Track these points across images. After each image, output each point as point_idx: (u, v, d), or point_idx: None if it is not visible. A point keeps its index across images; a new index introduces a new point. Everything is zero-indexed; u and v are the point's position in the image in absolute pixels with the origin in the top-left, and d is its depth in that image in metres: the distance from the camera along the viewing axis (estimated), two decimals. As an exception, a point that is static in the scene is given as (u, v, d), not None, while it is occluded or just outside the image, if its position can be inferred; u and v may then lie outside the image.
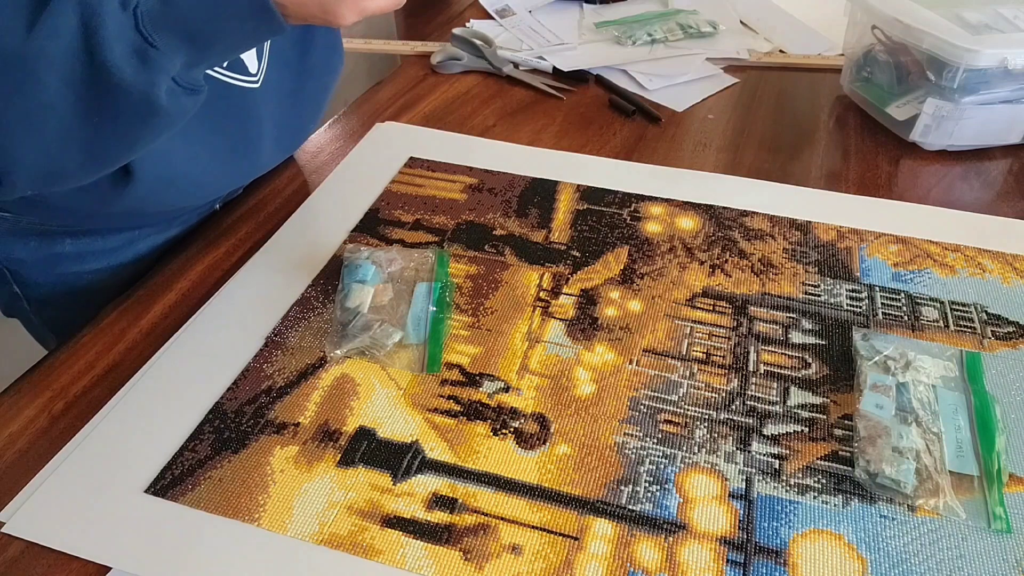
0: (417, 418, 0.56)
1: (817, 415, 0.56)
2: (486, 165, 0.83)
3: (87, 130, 0.48)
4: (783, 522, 0.49)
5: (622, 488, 0.51)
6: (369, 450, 0.53)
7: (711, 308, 0.65)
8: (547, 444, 0.54)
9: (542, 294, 0.67)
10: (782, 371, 0.59)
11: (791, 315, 0.64)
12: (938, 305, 0.65)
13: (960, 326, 0.63)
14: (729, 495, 0.51)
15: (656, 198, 0.78)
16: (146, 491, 0.51)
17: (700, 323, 0.64)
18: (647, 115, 0.94)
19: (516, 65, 1.05)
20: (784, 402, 0.57)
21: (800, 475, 0.52)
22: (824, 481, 0.51)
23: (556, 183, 0.81)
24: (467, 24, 1.16)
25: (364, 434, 0.55)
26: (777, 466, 0.52)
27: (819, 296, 0.66)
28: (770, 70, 1.06)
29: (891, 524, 0.49)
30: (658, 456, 0.53)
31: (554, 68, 1.03)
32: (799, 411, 0.56)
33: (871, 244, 0.72)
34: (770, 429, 0.55)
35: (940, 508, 0.49)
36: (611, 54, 1.07)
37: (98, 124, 0.48)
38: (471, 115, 0.94)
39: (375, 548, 0.48)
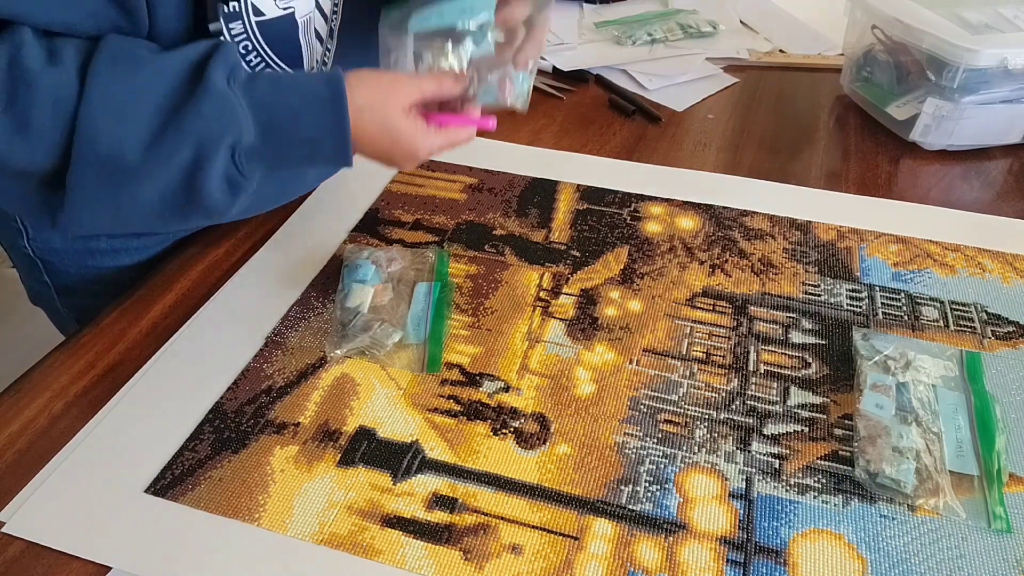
0: (417, 418, 0.56)
1: (817, 415, 0.56)
2: (486, 165, 0.83)
3: (156, 219, 0.54)
4: (783, 522, 0.49)
5: (622, 488, 0.51)
6: (369, 450, 0.53)
7: (711, 308, 0.65)
8: (547, 444, 0.54)
9: (542, 294, 0.67)
10: (782, 371, 0.59)
11: (791, 315, 0.64)
12: (938, 305, 0.65)
13: (960, 326, 0.63)
14: (729, 495, 0.51)
15: (656, 198, 0.78)
16: (146, 491, 0.51)
17: (700, 323, 0.64)
18: (647, 115, 0.94)
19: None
20: (784, 402, 0.57)
21: (800, 475, 0.52)
22: (824, 481, 0.51)
23: (556, 183, 0.81)
24: (467, 24, 1.15)
25: (364, 434, 0.55)
26: (777, 466, 0.52)
27: (819, 296, 0.66)
28: (770, 70, 1.06)
29: (891, 524, 0.49)
30: (658, 456, 0.53)
31: (554, 68, 1.03)
32: (799, 411, 0.56)
33: (871, 244, 0.72)
34: (770, 429, 0.55)
35: (940, 508, 0.49)
36: (611, 54, 1.07)
37: (170, 219, 0.54)
38: (471, 115, 0.94)
39: (375, 548, 0.48)
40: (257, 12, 0.56)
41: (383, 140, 0.57)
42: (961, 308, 0.65)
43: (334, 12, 0.61)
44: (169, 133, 0.50)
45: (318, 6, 0.62)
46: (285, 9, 0.58)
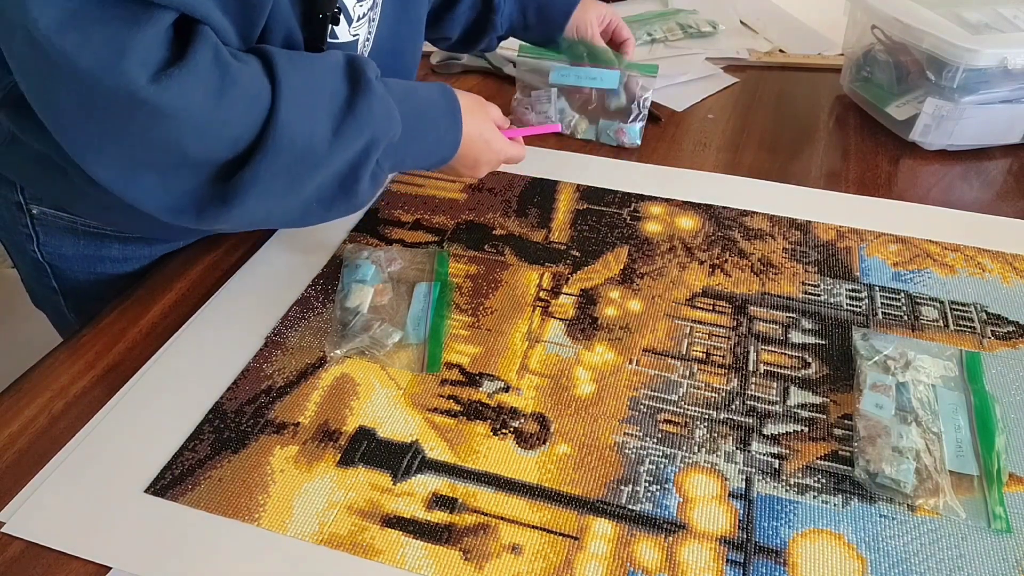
0: (417, 418, 0.56)
1: (817, 415, 0.56)
2: (486, 165, 0.83)
3: (302, 212, 0.57)
4: (783, 522, 0.49)
5: (622, 488, 0.51)
6: (369, 450, 0.53)
7: (711, 308, 0.65)
8: (547, 444, 0.54)
9: (542, 294, 0.67)
10: (782, 371, 0.59)
11: (791, 315, 0.64)
12: (938, 305, 0.65)
13: (960, 326, 0.63)
14: (729, 495, 0.51)
15: (656, 198, 0.78)
16: (146, 491, 0.51)
17: (700, 323, 0.64)
18: (647, 115, 0.94)
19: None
20: (784, 402, 0.57)
21: (800, 475, 0.52)
22: (824, 481, 0.51)
23: (556, 183, 0.81)
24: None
25: (364, 434, 0.55)
26: (777, 466, 0.52)
27: (819, 296, 0.66)
28: (770, 70, 1.06)
29: (891, 524, 0.49)
30: (658, 456, 0.53)
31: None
32: (799, 411, 0.56)
33: (871, 244, 0.72)
34: (770, 429, 0.55)
35: (940, 508, 0.49)
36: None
37: (316, 211, 0.57)
38: (471, 115, 0.94)
39: (375, 548, 0.48)
40: (333, 35, 0.59)
41: (479, 144, 0.66)
42: (961, 308, 0.65)
43: (367, 40, 0.65)
44: (349, 127, 0.53)
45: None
46: (354, 36, 0.62)
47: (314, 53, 0.55)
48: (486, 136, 0.66)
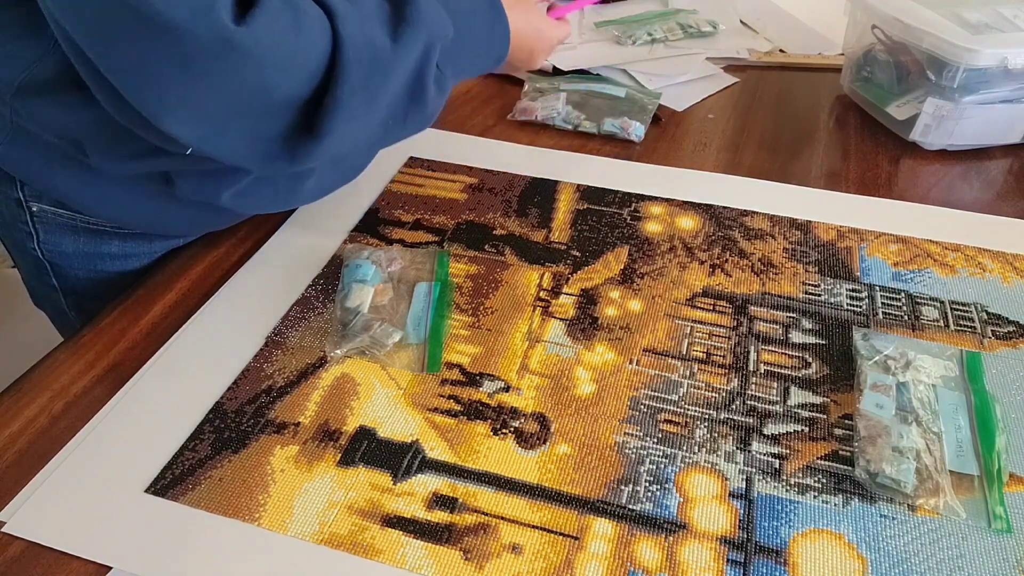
0: (417, 418, 0.56)
1: (817, 415, 0.56)
2: (486, 165, 0.83)
3: (383, 131, 0.59)
4: (783, 522, 0.49)
5: (622, 488, 0.51)
6: (369, 450, 0.53)
7: (711, 308, 0.65)
8: (547, 444, 0.54)
9: (542, 294, 0.67)
10: (782, 371, 0.59)
11: (791, 315, 0.64)
12: (938, 305, 0.65)
13: (960, 326, 0.63)
14: (729, 495, 0.51)
15: (656, 198, 0.78)
16: (146, 491, 0.51)
17: (700, 323, 0.64)
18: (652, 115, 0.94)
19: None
20: (784, 402, 0.57)
21: (800, 475, 0.52)
22: (824, 481, 0.51)
23: (556, 183, 0.81)
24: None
25: (364, 434, 0.55)
26: (777, 466, 0.52)
27: (819, 296, 0.66)
28: (770, 70, 1.06)
29: (891, 524, 0.49)
30: (658, 456, 0.53)
31: (554, 68, 1.03)
32: (799, 411, 0.56)
33: (871, 244, 0.72)
34: (770, 429, 0.55)
35: (940, 508, 0.49)
36: (611, 54, 1.07)
37: (393, 128, 0.59)
38: (471, 115, 0.94)
39: (375, 548, 0.48)
40: None
41: (529, 33, 0.68)
42: (961, 308, 0.65)
43: None
44: (405, 31, 0.54)
45: None
46: None
47: None
48: (535, 23, 0.68)
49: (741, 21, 1.16)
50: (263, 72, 0.49)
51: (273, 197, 0.68)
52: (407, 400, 0.57)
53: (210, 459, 0.53)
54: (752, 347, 0.61)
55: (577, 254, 0.71)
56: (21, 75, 0.56)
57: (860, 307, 0.65)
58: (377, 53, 0.53)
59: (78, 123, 0.50)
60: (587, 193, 0.79)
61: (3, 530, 0.49)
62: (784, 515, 0.49)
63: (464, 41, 0.61)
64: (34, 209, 0.67)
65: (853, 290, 0.66)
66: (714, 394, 0.57)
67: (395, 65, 0.54)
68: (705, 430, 0.55)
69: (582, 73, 1.02)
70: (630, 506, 0.50)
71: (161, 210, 0.65)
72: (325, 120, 0.52)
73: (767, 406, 0.56)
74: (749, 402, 0.57)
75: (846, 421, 0.55)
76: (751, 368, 0.59)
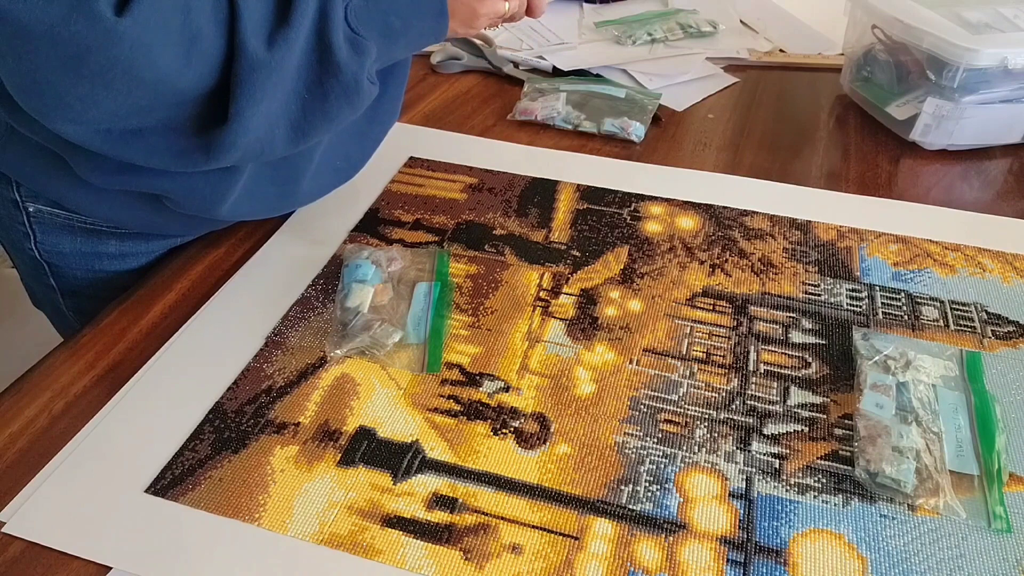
0: (417, 418, 0.56)
1: (817, 415, 0.56)
2: (486, 165, 0.83)
3: (300, 108, 0.54)
4: (783, 522, 0.49)
5: (622, 488, 0.51)
6: (369, 450, 0.53)
7: (711, 308, 0.65)
8: (547, 444, 0.54)
9: (542, 294, 0.67)
10: (782, 371, 0.59)
11: (791, 315, 0.64)
12: (938, 304, 0.65)
13: (960, 325, 0.63)
14: (729, 495, 0.51)
15: (656, 198, 0.78)
16: (146, 491, 0.51)
17: (700, 323, 0.64)
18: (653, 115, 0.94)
19: (516, 65, 1.05)
20: (784, 402, 0.57)
21: (800, 475, 0.52)
22: (824, 480, 0.51)
23: (556, 183, 0.81)
24: (467, 24, 1.16)
25: (364, 434, 0.55)
26: (777, 466, 0.52)
27: (819, 296, 0.66)
28: (770, 69, 1.06)
29: (891, 523, 0.49)
30: (658, 456, 0.53)
31: (554, 68, 1.03)
32: (799, 411, 0.56)
33: (871, 243, 0.72)
34: (770, 429, 0.55)
35: (940, 507, 0.49)
36: (611, 54, 1.07)
37: (310, 102, 0.54)
38: (471, 115, 0.94)
39: (375, 548, 0.48)
40: None
41: None
42: (961, 308, 0.65)
43: None
44: None
45: None
46: None
47: None
48: None
49: (741, 21, 1.16)
50: (158, 62, 0.46)
51: (269, 204, 0.67)
52: (407, 400, 0.57)
53: (210, 459, 0.53)
54: (752, 347, 0.61)
55: (577, 254, 0.71)
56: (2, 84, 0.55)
57: (860, 307, 0.65)
58: (271, 26, 0.50)
59: (56, 135, 0.49)
60: (587, 193, 0.79)
61: (3, 530, 0.49)
62: (784, 515, 0.49)
63: None
64: (31, 209, 0.66)
65: (853, 290, 0.66)
66: (714, 394, 0.57)
67: (290, 29, 0.50)
68: (705, 430, 0.55)
69: (582, 73, 1.02)
70: (630, 506, 0.50)
71: (157, 213, 0.65)
72: (232, 101, 0.50)
73: (767, 406, 0.56)
74: (749, 402, 0.57)
75: (846, 421, 0.55)
76: (751, 368, 0.59)
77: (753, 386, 0.58)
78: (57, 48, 0.44)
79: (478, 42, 1.06)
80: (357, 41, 0.55)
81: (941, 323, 0.63)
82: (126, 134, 0.50)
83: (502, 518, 0.49)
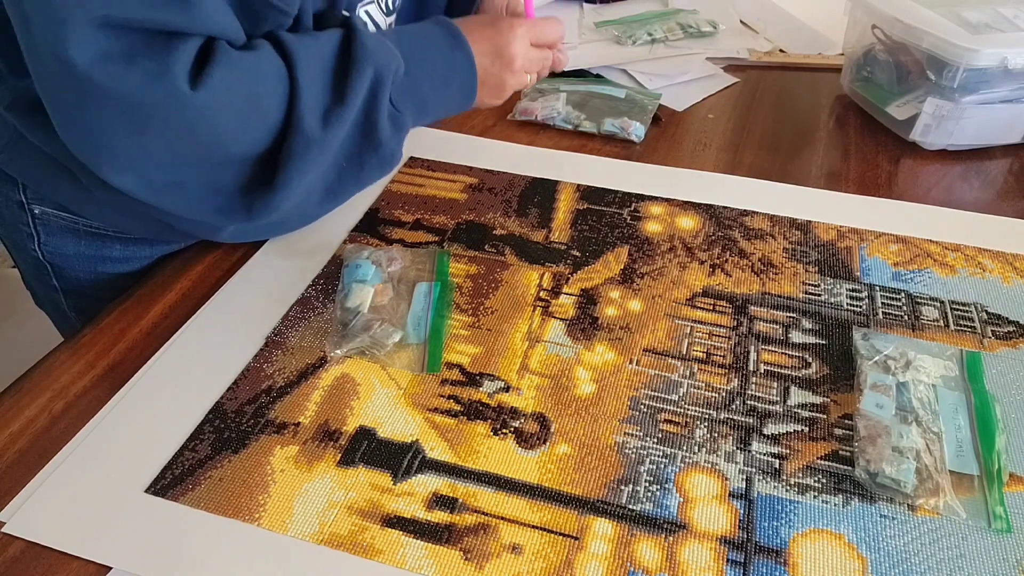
0: (417, 418, 0.56)
1: (817, 415, 0.56)
2: (486, 165, 0.83)
3: (337, 175, 0.58)
4: (783, 522, 0.49)
5: (622, 488, 0.51)
6: (369, 450, 0.53)
7: (711, 308, 0.65)
8: (547, 444, 0.54)
9: (542, 294, 0.67)
10: (782, 371, 0.59)
11: (791, 315, 0.64)
12: (938, 304, 0.65)
13: (960, 325, 0.63)
14: (729, 495, 0.51)
15: (656, 198, 0.78)
16: (146, 491, 0.51)
17: (700, 323, 0.64)
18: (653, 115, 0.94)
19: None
20: (784, 402, 0.57)
21: (800, 475, 0.52)
22: (824, 481, 0.51)
23: (556, 183, 0.81)
24: (467, 24, 1.16)
25: (364, 434, 0.55)
26: (777, 466, 0.52)
27: (819, 296, 0.66)
28: (770, 70, 1.06)
29: (891, 524, 0.49)
30: (658, 456, 0.53)
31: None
32: (799, 411, 0.56)
33: (871, 243, 0.72)
34: (770, 429, 0.55)
35: (940, 508, 0.49)
36: (611, 54, 1.07)
37: (346, 170, 0.59)
38: (471, 115, 0.94)
39: (375, 548, 0.48)
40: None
41: (490, 59, 0.64)
42: (961, 308, 0.65)
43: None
44: (351, 70, 0.54)
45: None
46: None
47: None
48: (499, 45, 0.64)
49: (741, 21, 1.16)
50: (219, 129, 0.49)
51: (273, 228, 0.69)
52: (407, 400, 0.57)
53: (210, 459, 0.53)
54: (752, 347, 0.61)
55: (577, 254, 0.71)
56: (12, 94, 0.56)
57: (860, 307, 0.65)
58: (327, 100, 0.53)
59: (63, 147, 0.50)
60: (587, 193, 0.79)
61: (3, 530, 0.49)
62: (784, 515, 0.49)
63: (420, 72, 0.59)
64: (36, 211, 0.67)
65: (853, 290, 0.66)
66: (714, 394, 0.57)
67: (344, 108, 0.54)
68: (705, 430, 0.55)
69: (582, 73, 1.02)
70: (630, 506, 0.50)
71: (163, 221, 0.65)
72: (281, 171, 0.53)
73: (767, 406, 0.56)
74: (749, 402, 0.57)
75: (846, 421, 0.55)
76: (751, 368, 0.59)
77: (753, 386, 0.58)
78: (127, 111, 0.46)
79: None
80: (397, 117, 0.59)
81: (941, 323, 0.63)
82: (169, 186, 0.52)
83: (502, 518, 0.49)
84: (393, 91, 0.57)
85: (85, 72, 0.44)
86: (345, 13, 0.59)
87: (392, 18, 0.66)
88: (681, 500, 0.50)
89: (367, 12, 0.62)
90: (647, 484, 0.51)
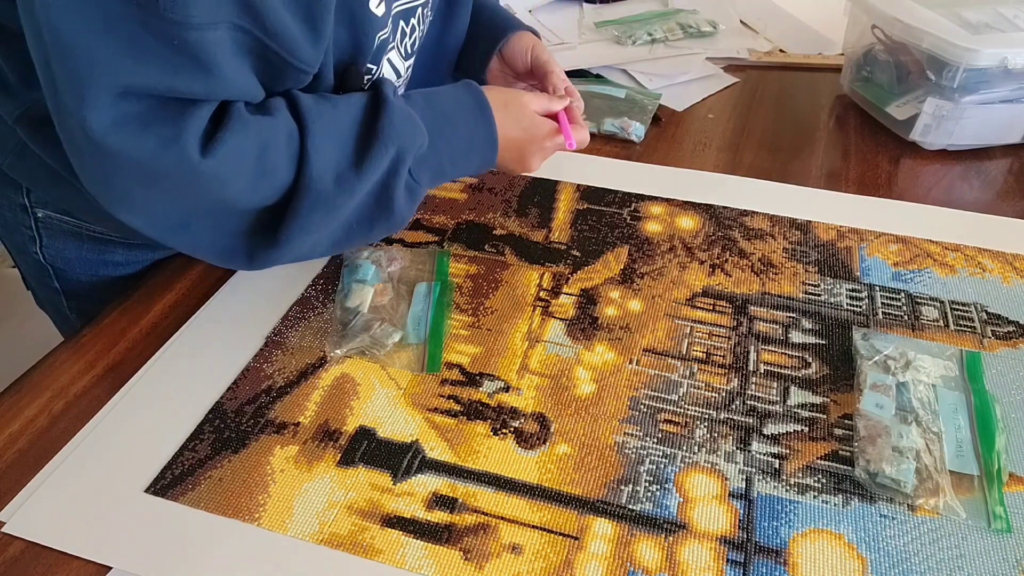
0: (417, 418, 0.56)
1: (817, 415, 0.56)
2: (486, 165, 0.83)
3: (345, 233, 0.59)
4: (783, 522, 0.49)
5: (622, 488, 0.51)
6: (369, 450, 0.53)
7: (711, 308, 0.65)
8: (547, 444, 0.54)
9: (542, 294, 0.67)
10: (782, 371, 0.59)
11: (791, 315, 0.64)
12: (938, 304, 0.65)
13: (960, 325, 0.63)
14: (729, 495, 0.51)
15: (656, 198, 0.78)
16: (146, 491, 0.51)
17: (700, 323, 0.64)
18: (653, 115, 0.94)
19: None
20: (784, 402, 0.57)
21: (800, 475, 0.52)
22: (824, 481, 0.51)
23: (556, 183, 0.81)
24: (467, 24, 1.16)
25: (364, 434, 0.55)
26: (777, 466, 0.52)
27: (819, 296, 0.66)
28: (770, 70, 1.06)
29: (891, 523, 0.49)
30: (658, 456, 0.53)
31: (554, 68, 1.03)
32: (799, 411, 0.56)
33: (871, 243, 0.72)
34: (770, 429, 0.55)
35: (940, 507, 0.49)
36: (611, 54, 1.07)
37: (356, 230, 0.59)
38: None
39: (375, 548, 0.48)
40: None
41: (519, 136, 0.65)
42: (961, 308, 0.65)
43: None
44: (373, 147, 0.55)
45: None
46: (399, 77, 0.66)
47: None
48: (524, 125, 0.65)
49: (741, 21, 1.16)
50: (228, 190, 0.51)
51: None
52: (407, 400, 0.57)
53: (210, 459, 0.53)
54: (752, 347, 0.61)
55: (577, 254, 0.71)
56: (20, 108, 0.57)
57: (860, 307, 0.65)
58: (341, 171, 0.54)
59: (68, 162, 0.51)
60: (587, 193, 0.79)
61: (3, 530, 0.49)
62: (784, 515, 0.49)
63: (443, 146, 0.60)
64: (39, 215, 0.67)
65: (853, 290, 0.66)
66: (714, 394, 0.57)
67: (359, 181, 0.55)
68: (705, 430, 0.55)
69: (582, 73, 1.02)
70: (630, 506, 0.50)
71: None
72: (284, 229, 0.54)
73: (767, 406, 0.56)
74: (749, 402, 0.57)
75: (846, 421, 0.55)
76: (751, 368, 0.59)
77: (753, 386, 0.58)
78: (141, 172, 0.48)
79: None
80: (414, 188, 0.60)
81: (941, 323, 0.63)
82: (176, 226, 0.54)
83: (502, 518, 0.49)
84: (412, 164, 0.58)
85: (101, 137, 0.46)
86: (371, 66, 0.60)
87: (411, 61, 0.67)
88: (681, 500, 0.50)
89: (388, 60, 0.63)
90: (647, 484, 0.51)
